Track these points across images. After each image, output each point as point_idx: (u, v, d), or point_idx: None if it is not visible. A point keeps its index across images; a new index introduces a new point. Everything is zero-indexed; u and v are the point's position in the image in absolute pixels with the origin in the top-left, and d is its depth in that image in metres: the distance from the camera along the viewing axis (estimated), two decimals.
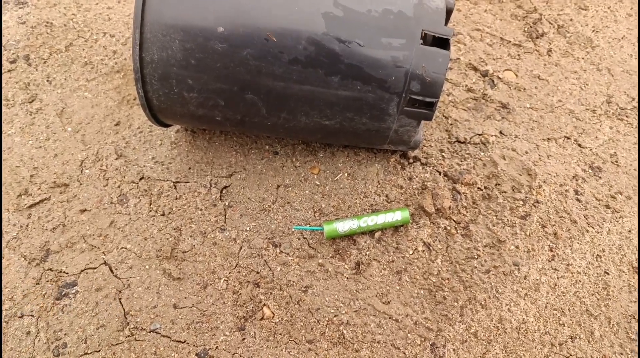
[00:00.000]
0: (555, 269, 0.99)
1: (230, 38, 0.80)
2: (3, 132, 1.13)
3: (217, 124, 0.95)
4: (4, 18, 1.27)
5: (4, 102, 1.16)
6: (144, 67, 0.83)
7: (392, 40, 0.83)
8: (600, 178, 1.09)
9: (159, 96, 0.87)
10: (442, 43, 0.85)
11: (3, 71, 1.20)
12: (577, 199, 1.06)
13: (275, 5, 0.81)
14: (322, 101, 0.86)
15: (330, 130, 0.93)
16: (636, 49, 1.27)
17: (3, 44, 1.24)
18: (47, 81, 1.20)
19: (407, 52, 0.83)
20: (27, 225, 1.02)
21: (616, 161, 1.11)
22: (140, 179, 1.07)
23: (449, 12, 0.89)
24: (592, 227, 1.03)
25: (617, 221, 1.04)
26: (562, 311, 0.96)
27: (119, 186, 1.06)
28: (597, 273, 1.00)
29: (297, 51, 0.81)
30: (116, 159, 1.09)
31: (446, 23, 0.89)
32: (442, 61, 0.84)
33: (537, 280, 0.98)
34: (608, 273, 1.00)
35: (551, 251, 1.00)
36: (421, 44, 0.84)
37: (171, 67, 0.82)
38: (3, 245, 1.00)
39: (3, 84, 1.18)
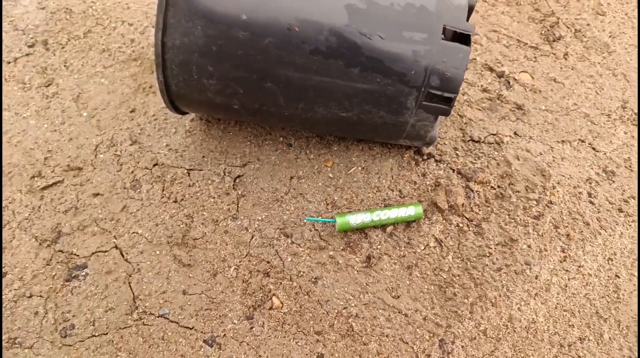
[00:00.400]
0: (567, 270, 0.99)
1: (252, 26, 0.81)
2: (18, 114, 1.13)
3: (234, 113, 0.95)
4: (24, 3, 1.28)
5: (20, 85, 1.17)
6: (165, 53, 0.83)
7: (414, 35, 0.83)
8: (613, 181, 1.09)
9: (177, 82, 0.88)
10: (463, 39, 0.85)
11: (21, 55, 1.21)
12: (591, 202, 1.05)
13: None
14: (341, 92, 0.86)
15: (348, 122, 0.93)
16: None
17: (22, 28, 1.25)
18: (65, 66, 1.21)
19: (428, 47, 0.83)
20: (40, 207, 1.02)
21: (630, 166, 1.11)
22: (154, 165, 1.07)
23: (470, 9, 0.89)
24: (605, 230, 1.03)
25: (630, 225, 1.04)
26: (572, 313, 0.96)
27: (132, 172, 1.07)
28: (608, 276, 0.99)
29: (319, 42, 0.81)
30: (130, 145, 1.10)
31: (467, 19, 0.89)
32: (462, 56, 0.84)
33: (548, 280, 0.97)
34: (619, 277, 0.99)
35: (563, 252, 1.00)
36: (442, 39, 0.84)
37: (192, 53, 0.83)
38: (15, 226, 1.00)
39: (21, 67, 1.19)
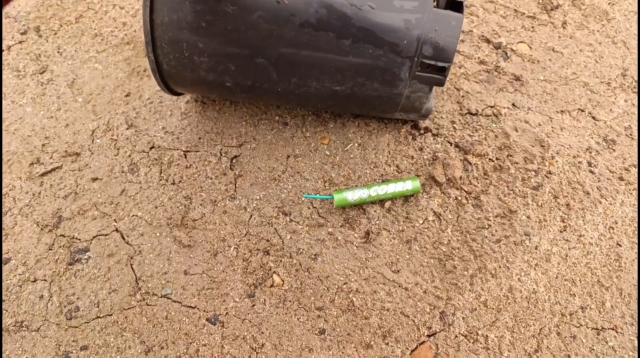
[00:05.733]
0: (567, 240, 0.98)
1: (240, 0, 0.80)
2: (15, 102, 1.13)
3: (228, 91, 0.94)
4: None
5: (15, 73, 1.17)
6: (154, 30, 0.83)
7: (405, 3, 0.81)
8: (614, 150, 1.07)
9: (169, 61, 0.87)
10: (456, 6, 0.84)
11: (15, 42, 1.20)
12: (591, 171, 1.04)
13: None
14: (334, 65, 0.85)
15: (341, 96, 0.92)
16: None
17: (14, 16, 1.24)
18: (58, 52, 1.20)
19: (419, 15, 0.81)
20: (40, 193, 1.03)
21: (630, 134, 1.10)
22: (151, 148, 1.07)
23: None
24: (605, 199, 1.02)
25: (631, 193, 1.03)
26: (573, 282, 0.96)
27: (129, 156, 1.07)
28: (610, 245, 0.99)
29: (309, 14, 0.80)
30: (127, 129, 1.10)
31: None
32: (455, 24, 0.82)
33: (548, 250, 0.97)
34: (620, 245, 0.99)
35: (563, 222, 0.99)
36: (434, 6, 0.83)
37: (182, 30, 0.82)
38: (16, 212, 1.01)
39: (15, 55, 1.19)
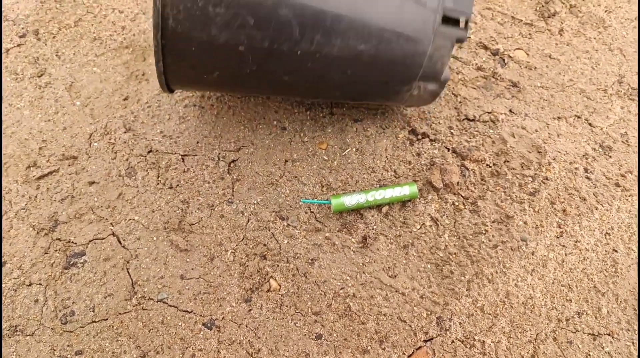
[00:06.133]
0: (564, 245, 0.99)
1: None
2: (12, 105, 1.13)
3: (235, 63, 0.85)
4: None
5: (13, 76, 1.17)
6: None
7: None
8: (610, 157, 1.08)
9: (177, 13, 0.75)
10: None
11: (13, 45, 1.20)
12: (587, 177, 1.05)
13: None
14: (360, 19, 0.81)
15: (363, 63, 0.87)
16: None
17: (13, 19, 1.24)
18: (56, 55, 1.20)
19: None
20: (36, 196, 1.03)
21: (627, 141, 1.10)
22: (149, 152, 1.07)
23: None
24: (602, 205, 1.02)
25: (627, 200, 1.03)
26: (570, 288, 0.96)
27: (127, 159, 1.07)
28: (606, 251, 0.99)
29: None
30: (124, 132, 1.10)
31: None
32: None
33: (544, 256, 0.97)
34: (616, 251, 0.99)
35: (559, 227, 1.00)
36: None
37: None
38: (12, 216, 1.01)
39: (13, 58, 1.19)
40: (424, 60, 0.88)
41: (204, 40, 0.79)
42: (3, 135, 1.09)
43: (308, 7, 0.78)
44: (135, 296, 0.94)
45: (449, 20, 0.84)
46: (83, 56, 1.20)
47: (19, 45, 1.21)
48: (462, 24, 0.85)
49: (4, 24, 1.23)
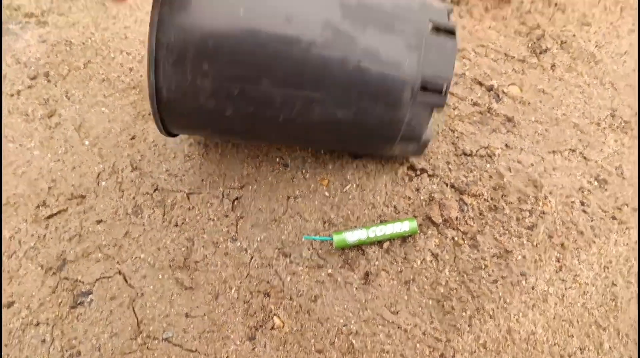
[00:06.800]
0: (563, 280, 1.00)
1: (250, 21, 0.81)
2: (23, 146, 1.17)
3: (225, 124, 0.93)
4: (25, 37, 1.33)
5: (24, 117, 1.21)
6: (159, 49, 0.81)
7: (405, 27, 0.86)
8: (606, 190, 1.10)
9: (169, 85, 0.85)
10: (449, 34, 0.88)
11: (24, 87, 1.25)
12: (584, 211, 1.07)
13: None
14: (339, 87, 0.86)
15: (344, 125, 0.92)
16: None
17: (24, 61, 1.29)
18: (66, 96, 1.24)
19: (418, 41, 0.86)
20: (45, 235, 1.05)
21: (621, 174, 1.13)
22: (155, 190, 1.10)
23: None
24: (599, 238, 1.04)
25: (624, 233, 1.05)
26: (571, 323, 0.97)
27: (133, 198, 1.09)
28: (605, 285, 1.00)
29: (315, 35, 0.83)
30: (131, 171, 1.13)
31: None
32: (450, 49, 0.87)
33: (544, 290, 0.99)
34: (616, 285, 1.00)
35: (558, 261, 1.01)
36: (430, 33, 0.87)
37: (187, 51, 0.81)
38: (21, 255, 1.03)
39: (24, 100, 1.23)
40: (402, 126, 0.92)
41: (194, 107, 0.88)
42: (13, 175, 1.12)
43: (288, 79, 0.85)
44: (141, 335, 0.95)
45: (428, 87, 0.87)
46: (92, 97, 1.24)
47: (29, 87, 1.25)
48: (442, 91, 0.88)
49: (15, 67, 1.28)
